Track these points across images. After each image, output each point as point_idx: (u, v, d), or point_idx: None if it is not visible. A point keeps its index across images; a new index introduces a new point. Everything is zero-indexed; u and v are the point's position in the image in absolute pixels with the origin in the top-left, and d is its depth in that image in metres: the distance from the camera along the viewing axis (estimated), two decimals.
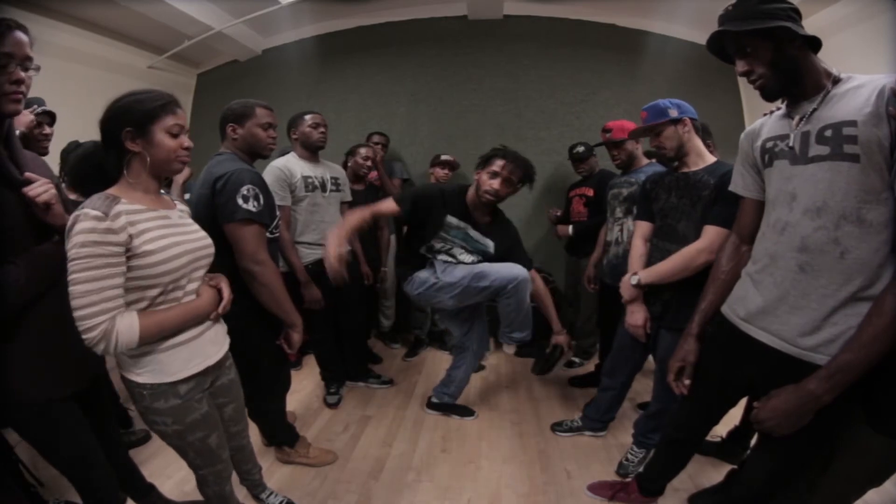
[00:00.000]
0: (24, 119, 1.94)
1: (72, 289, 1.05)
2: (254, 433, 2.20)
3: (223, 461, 1.47)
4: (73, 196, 1.48)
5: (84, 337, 1.06)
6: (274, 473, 2.17)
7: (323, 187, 2.63)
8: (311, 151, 2.61)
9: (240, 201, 1.66)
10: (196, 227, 1.37)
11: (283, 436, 2.25)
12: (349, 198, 2.86)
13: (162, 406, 1.25)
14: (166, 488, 1.95)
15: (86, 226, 1.04)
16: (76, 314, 1.05)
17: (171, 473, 2.13)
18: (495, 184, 2.17)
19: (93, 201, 1.09)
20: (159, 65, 4.40)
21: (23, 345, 1.23)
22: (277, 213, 1.99)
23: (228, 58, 4.77)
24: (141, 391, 1.23)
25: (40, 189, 1.18)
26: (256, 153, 1.93)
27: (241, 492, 1.90)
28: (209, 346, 1.34)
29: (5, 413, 1.27)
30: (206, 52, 4.57)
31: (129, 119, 1.16)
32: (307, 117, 2.57)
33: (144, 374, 1.22)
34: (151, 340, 1.17)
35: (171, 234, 1.22)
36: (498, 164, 2.18)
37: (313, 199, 2.56)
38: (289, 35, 4.57)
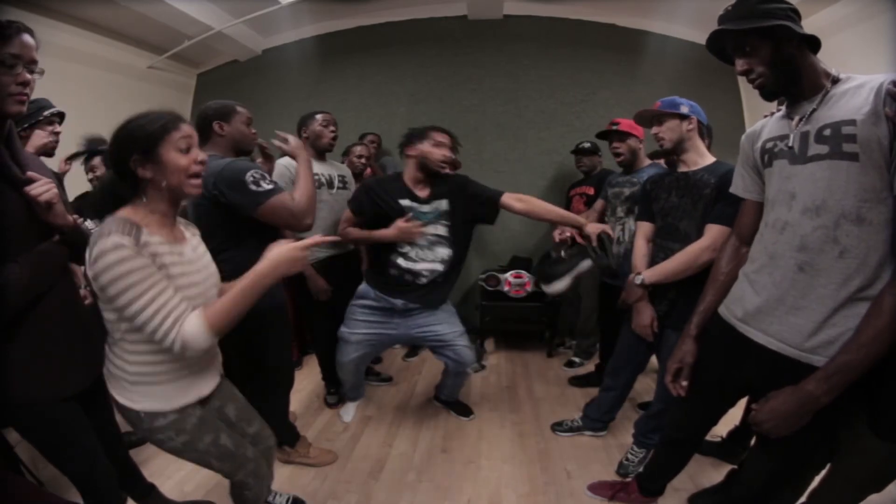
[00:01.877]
0: (40, 141, 1.99)
1: (139, 318, 1.07)
2: None
3: (251, 459, 1.45)
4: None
5: (172, 350, 1.11)
6: (274, 473, 2.17)
7: (330, 184, 2.65)
8: (319, 151, 2.63)
9: (253, 188, 1.67)
10: (205, 255, 1.36)
11: (283, 435, 2.24)
12: None
13: (162, 423, 1.24)
14: (166, 488, 1.95)
15: (122, 254, 1.04)
16: (153, 335, 1.09)
17: (171, 473, 2.13)
18: (446, 151, 2.23)
19: (117, 227, 1.07)
20: (159, 65, 4.39)
21: (24, 345, 1.23)
22: None
23: (228, 58, 4.76)
24: (138, 415, 1.23)
25: (42, 188, 1.18)
26: (242, 150, 1.92)
27: None
28: (207, 380, 1.34)
29: (7, 413, 1.27)
30: (206, 52, 4.57)
31: (134, 146, 1.13)
32: (318, 116, 2.60)
33: (141, 402, 1.22)
34: (229, 327, 1.18)
35: (186, 271, 1.21)
36: (439, 136, 2.23)
37: (318, 196, 2.56)
38: (289, 35, 4.57)
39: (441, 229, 2.27)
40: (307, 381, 3.19)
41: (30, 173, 1.20)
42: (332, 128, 2.62)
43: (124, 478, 1.71)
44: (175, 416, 1.25)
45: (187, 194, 1.21)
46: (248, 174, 1.68)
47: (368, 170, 3.35)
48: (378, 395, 3.03)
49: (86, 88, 3.63)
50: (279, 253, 1.21)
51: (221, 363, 1.46)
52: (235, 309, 1.16)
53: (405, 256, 2.26)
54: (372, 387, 3.12)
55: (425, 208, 2.26)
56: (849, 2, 2.88)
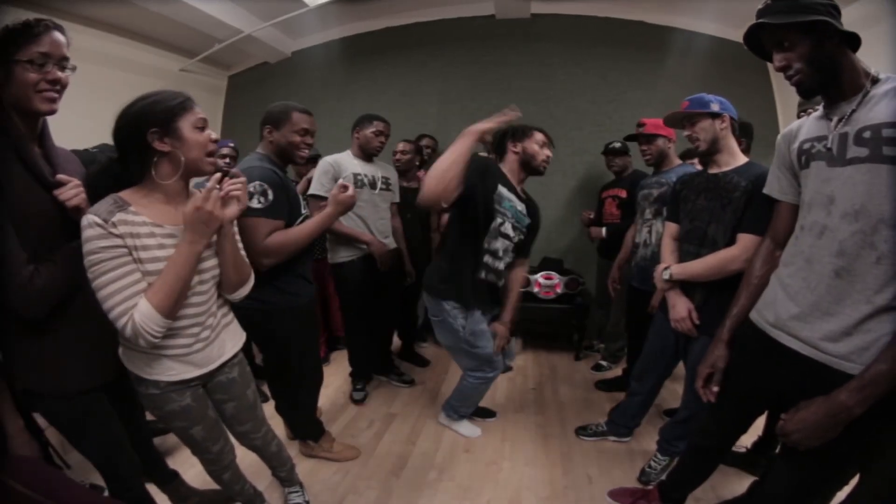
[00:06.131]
0: None
1: (97, 295, 1.09)
2: (278, 427, 2.24)
3: (212, 452, 1.50)
4: None
5: (125, 336, 1.13)
6: (296, 466, 2.19)
7: (373, 185, 2.71)
8: (367, 154, 2.70)
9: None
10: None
11: (309, 430, 2.28)
12: (397, 199, 2.95)
13: (143, 392, 1.30)
14: (189, 476, 1.99)
15: (90, 234, 1.07)
16: (110, 317, 1.10)
17: (195, 462, 2.14)
18: (549, 152, 2.23)
19: (99, 205, 1.11)
20: (191, 67, 4.51)
21: (57, 337, 1.27)
22: (304, 210, 2.01)
23: (258, 60, 4.85)
24: (130, 375, 1.30)
25: (70, 193, 1.21)
26: (288, 158, 1.92)
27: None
28: (190, 366, 1.31)
29: (36, 401, 1.31)
30: (237, 55, 4.66)
31: (152, 119, 1.14)
32: (374, 122, 2.66)
33: (128, 363, 1.28)
34: (175, 307, 1.16)
35: (164, 256, 1.18)
36: (541, 137, 2.22)
37: (360, 196, 2.59)
38: (317, 37, 4.64)
39: (517, 238, 2.25)
40: (334, 378, 3.22)
41: (59, 176, 1.22)
42: (381, 138, 2.69)
43: (147, 464, 1.76)
44: (155, 393, 1.29)
45: (203, 171, 1.22)
46: (252, 184, 1.69)
47: (421, 172, 3.42)
48: (404, 394, 3.06)
49: (120, 93, 3.70)
50: (188, 214, 1.16)
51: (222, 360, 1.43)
52: (173, 282, 1.14)
53: (494, 254, 2.20)
54: (394, 385, 3.16)
55: (521, 207, 2.23)
56: (864, 4, 2.73)
